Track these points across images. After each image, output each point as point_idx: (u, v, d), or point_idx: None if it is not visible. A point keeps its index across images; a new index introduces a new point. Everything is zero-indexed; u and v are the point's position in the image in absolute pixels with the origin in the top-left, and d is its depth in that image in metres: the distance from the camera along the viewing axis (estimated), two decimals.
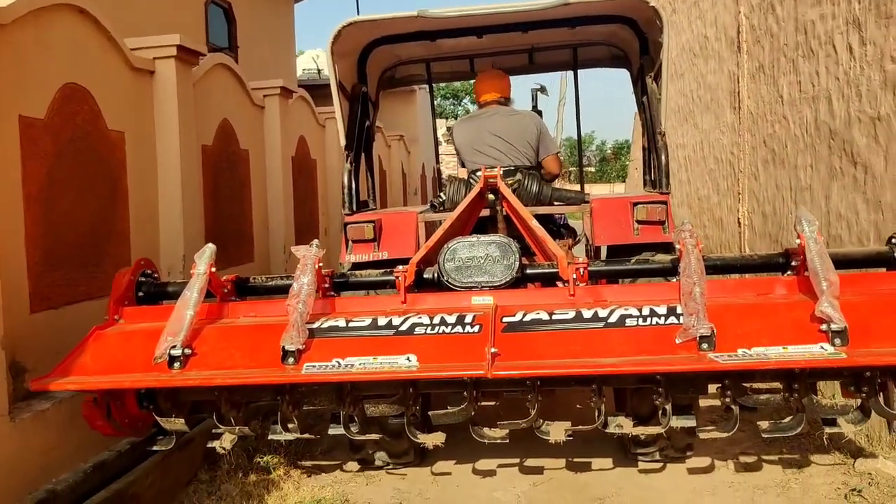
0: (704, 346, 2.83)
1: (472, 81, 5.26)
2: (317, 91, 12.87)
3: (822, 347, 2.79)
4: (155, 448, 3.49)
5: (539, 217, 4.03)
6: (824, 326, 2.82)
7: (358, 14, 21.36)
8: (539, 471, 4.18)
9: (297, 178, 7.73)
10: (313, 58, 16.42)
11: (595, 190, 20.23)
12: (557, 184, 4.93)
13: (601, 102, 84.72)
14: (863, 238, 4.56)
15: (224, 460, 4.13)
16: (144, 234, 4.77)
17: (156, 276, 3.70)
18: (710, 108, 8.21)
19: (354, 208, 4.43)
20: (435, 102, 6.83)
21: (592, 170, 50.40)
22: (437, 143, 7.29)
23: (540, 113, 5.90)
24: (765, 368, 2.93)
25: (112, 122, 4.47)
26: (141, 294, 3.57)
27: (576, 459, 4.26)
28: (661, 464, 4.18)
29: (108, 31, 4.43)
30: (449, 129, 25.28)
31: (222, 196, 5.99)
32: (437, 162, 7.12)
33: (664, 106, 4.36)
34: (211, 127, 5.85)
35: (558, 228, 4.85)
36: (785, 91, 5.86)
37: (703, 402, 3.70)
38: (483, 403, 3.35)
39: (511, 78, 5.10)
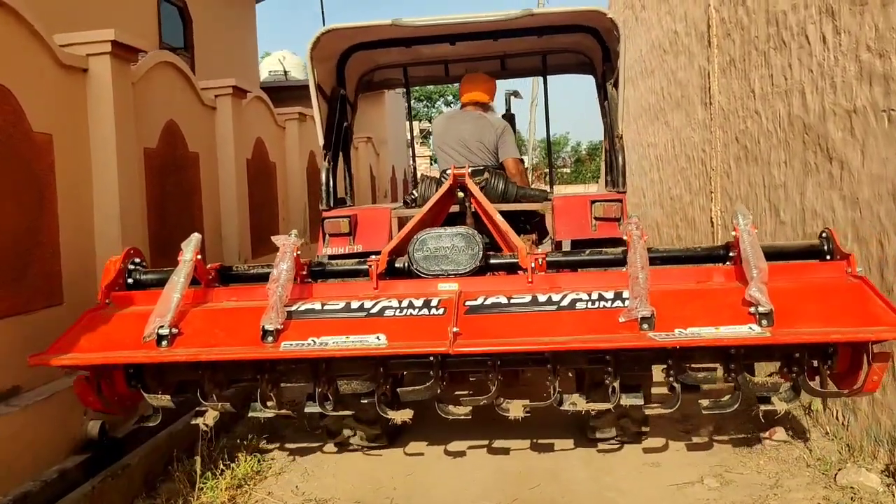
0: (645, 326, 3.12)
1: (446, 85, 5.73)
2: (283, 93, 12.58)
3: (750, 328, 3.08)
4: (146, 424, 3.72)
5: (506, 214, 4.30)
6: (753, 309, 3.11)
7: (323, 15, 20.94)
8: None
9: (254, 182, 7.39)
10: (279, 59, 16.05)
11: (569, 190, 20.55)
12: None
13: (576, 104, 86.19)
14: (840, 237, 4.32)
15: (162, 489, 3.86)
16: (77, 244, 4.41)
17: (144, 264, 3.94)
18: (680, 104, 8.00)
19: (332, 204, 4.77)
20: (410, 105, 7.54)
21: (568, 171, 50.54)
22: (412, 144, 7.90)
23: (513, 117, 6.42)
24: (697, 345, 3.21)
25: (38, 124, 4.13)
26: (130, 280, 3.81)
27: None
28: (629, 473, 4.05)
29: (32, 25, 4.09)
30: (422, 130, 25.36)
31: (169, 202, 5.65)
32: (413, 161, 7.47)
33: (622, 111, 4.70)
34: (155, 128, 5.50)
35: (524, 225, 5.08)
36: (757, 85, 5.64)
37: (655, 391, 4.04)
38: (456, 393, 3.69)
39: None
